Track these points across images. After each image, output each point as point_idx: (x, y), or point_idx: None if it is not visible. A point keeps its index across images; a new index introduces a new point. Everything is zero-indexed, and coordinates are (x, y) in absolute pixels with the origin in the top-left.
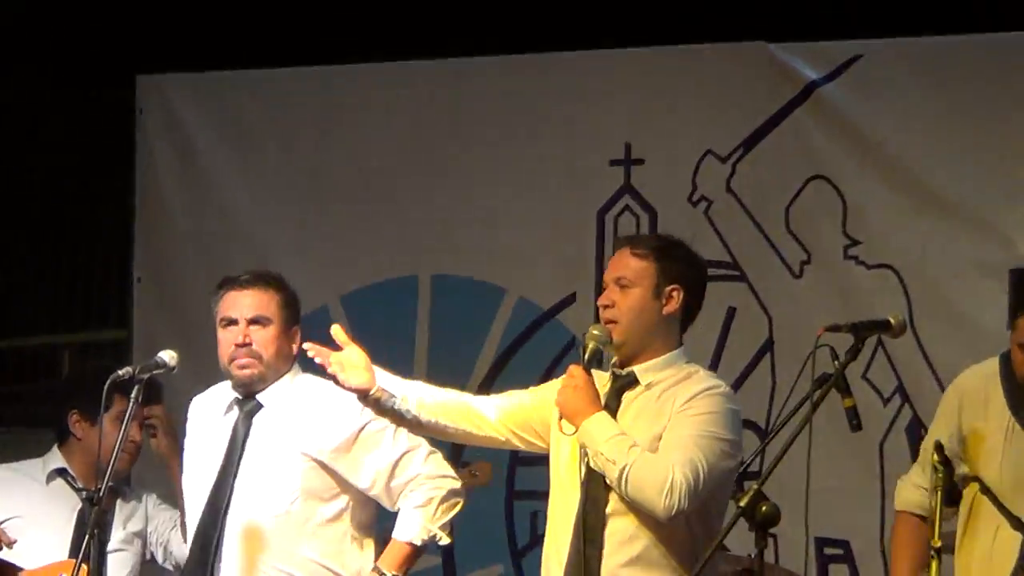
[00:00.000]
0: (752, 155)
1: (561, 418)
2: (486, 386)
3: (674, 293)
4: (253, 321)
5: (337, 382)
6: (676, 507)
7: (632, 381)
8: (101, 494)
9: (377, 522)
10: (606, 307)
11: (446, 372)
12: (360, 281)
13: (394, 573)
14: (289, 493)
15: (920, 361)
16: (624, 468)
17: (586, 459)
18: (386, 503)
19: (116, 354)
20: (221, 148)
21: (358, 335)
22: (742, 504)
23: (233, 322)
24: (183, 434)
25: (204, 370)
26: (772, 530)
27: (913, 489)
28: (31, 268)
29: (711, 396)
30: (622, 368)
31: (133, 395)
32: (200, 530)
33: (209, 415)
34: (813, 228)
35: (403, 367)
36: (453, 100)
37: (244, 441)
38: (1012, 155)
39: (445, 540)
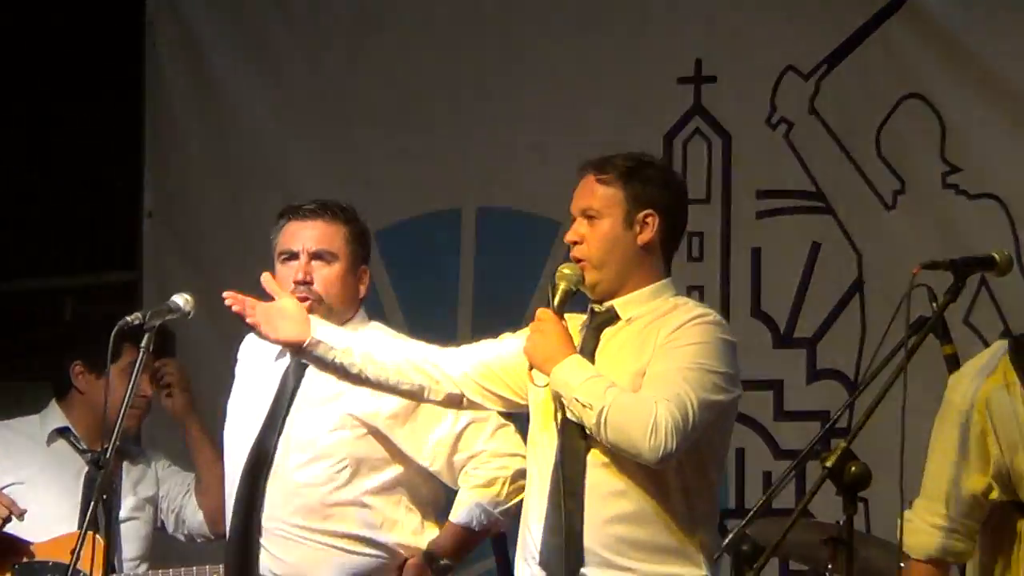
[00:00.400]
0: (838, 71)
1: (531, 368)
2: None
3: (648, 219)
4: (316, 256)
5: (259, 334)
6: (663, 448)
7: (612, 317)
8: (108, 456)
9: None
10: (575, 243)
11: (494, 313)
12: (397, 215)
13: (447, 560)
14: (336, 459)
15: None
16: (602, 410)
17: (562, 409)
18: (447, 480)
19: (124, 298)
20: (241, 67)
21: (396, 274)
22: (828, 464)
23: (293, 256)
24: (226, 380)
25: (223, 317)
26: (862, 493)
27: (929, 531)
28: (27, 203)
29: (699, 325)
30: (601, 304)
31: (143, 344)
32: (240, 493)
33: (260, 360)
34: (907, 153)
35: (446, 308)
36: (500, 11)
37: (293, 395)
38: None
39: (504, 527)
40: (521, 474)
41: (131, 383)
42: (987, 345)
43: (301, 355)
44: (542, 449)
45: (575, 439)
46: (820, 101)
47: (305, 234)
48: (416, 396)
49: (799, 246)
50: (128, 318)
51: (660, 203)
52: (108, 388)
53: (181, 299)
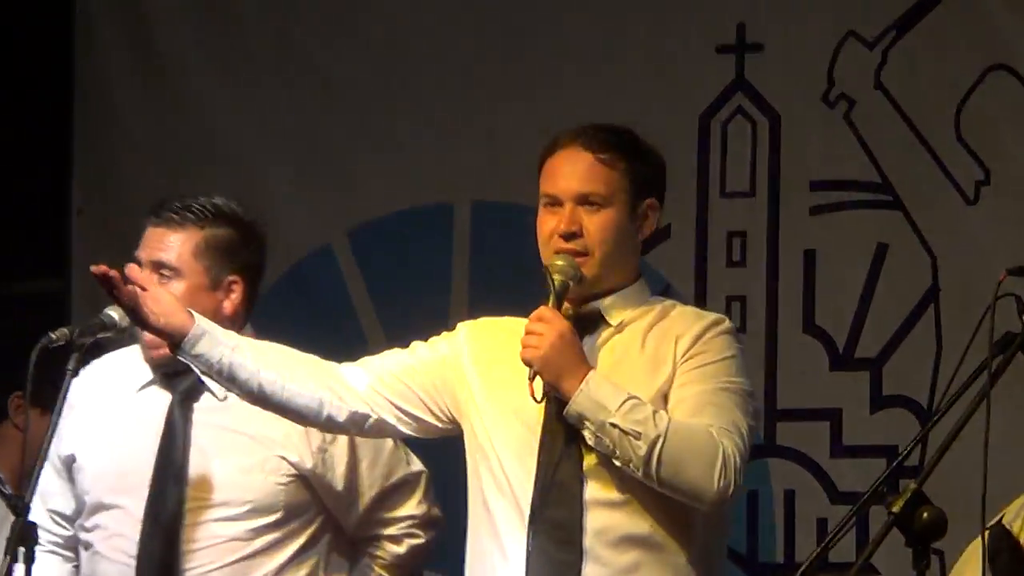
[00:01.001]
0: (909, 38)
1: (533, 378)
2: None
3: (650, 211)
4: (155, 268)
5: (137, 317)
6: (731, 488)
7: (596, 321)
8: (28, 502)
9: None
10: (572, 235)
11: None
12: (374, 211)
13: None
14: (262, 511)
15: None
16: (656, 442)
17: (551, 435)
18: (347, 526)
19: (49, 311)
20: (193, 40)
21: (372, 277)
22: (896, 509)
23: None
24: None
25: None
26: (936, 544)
27: None
28: None
29: (721, 336)
30: (578, 305)
31: (70, 367)
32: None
33: (111, 395)
34: (994, 136)
35: (436, 317)
36: None
37: (186, 436)
38: None
39: None
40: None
41: (55, 416)
42: None
43: (181, 352)
44: (511, 484)
45: (571, 470)
46: (887, 74)
47: (149, 241)
48: (310, 415)
49: (862, 248)
50: (52, 335)
51: (659, 188)
52: (27, 422)
53: (116, 312)
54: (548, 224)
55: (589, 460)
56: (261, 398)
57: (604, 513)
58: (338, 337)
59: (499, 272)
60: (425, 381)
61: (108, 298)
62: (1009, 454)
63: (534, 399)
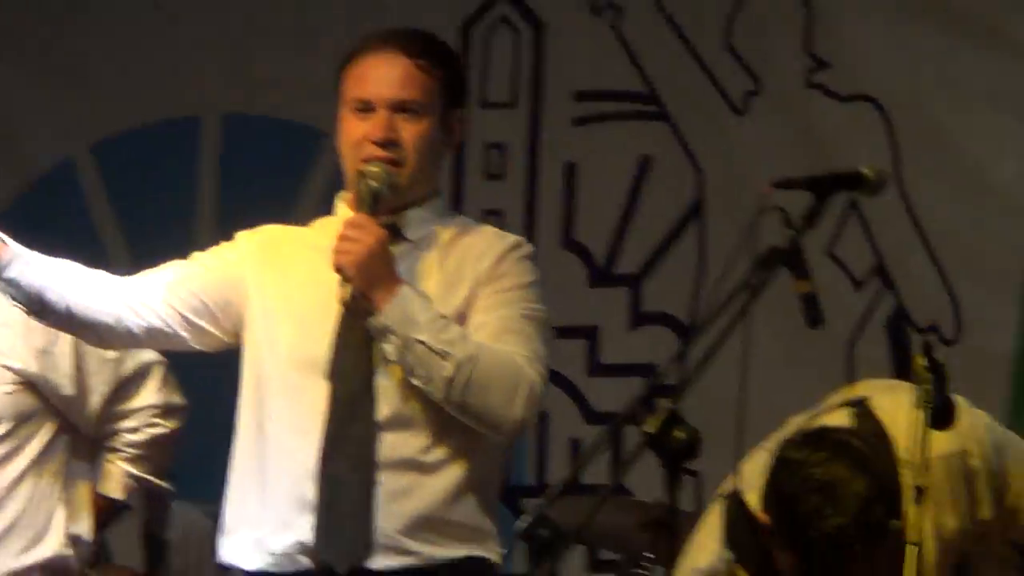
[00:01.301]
0: None
1: (348, 285)
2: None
3: (458, 124)
4: None
5: None
6: (526, 419)
7: (394, 235)
8: None
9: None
10: (389, 143)
11: None
12: (118, 125)
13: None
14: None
15: (908, 228)
16: (463, 363)
17: (345, 348)
18: (83, 427)
19: None
20: None
21: (116, 191)
22: (650, 429)
23: None
24: None
25: None
26: (691, 465)
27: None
28: None
29: (523, 261)
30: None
31: None
32: None
33: None
34: (764, 46)
35: (183, 231)
36: None
37: None
38: None
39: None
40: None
41: None
42: (855, 280)
43: None
44: (294, 399)
45: (363, 389)
46: None
47: None
48: (110, 333)
49: (625, 160)
50: None
51: (463, 99)
52: None
53: None
54: (358, 129)
55: (381, 377)
56: (68, 319)
57: (391, 434)
58: (79, 256)
59: (249, 188)
60: (215, 294)
61: None
62: (768, 371)
63: (344, 306)
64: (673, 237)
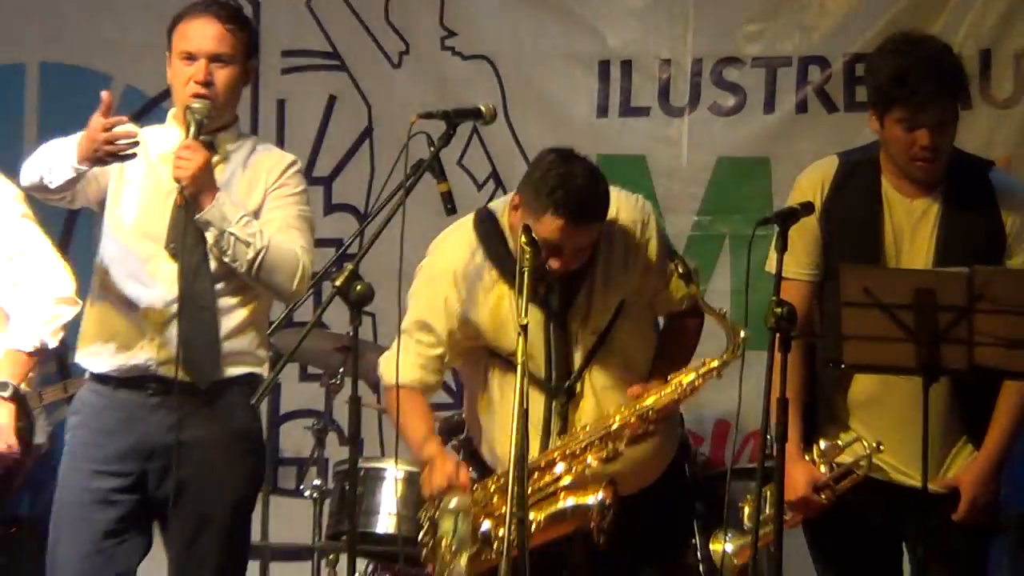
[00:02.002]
0: None
1: (183, 191)
2: None
3: (252, 70)
4: None
5: None
6: (302, 290)
7: (210, 149)
8: None
9: None
10: (208, 83)
11: None
12: None
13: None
14: None
15: (513, 147)
16: (261, 251)
17: (186, 239)
18: None
19: None
20: None
21: None
22: (338, 283)
23: None
24: None
25: None
26: (368, 308)
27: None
28: None
29: (299, 174)
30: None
31: None
32: None
33: None
34: (412, 20)
35: (9, 155)
36: None
37: None
38: None
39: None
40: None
41: None
42: (477, 183)
43: None
44: (139, 264)
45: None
46: None
47: None
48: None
49: (318, 99)
50: None
51: (255, 54)
52: None
53: None
54: (185, 73)
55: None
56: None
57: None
58: None
59: (68, 131)
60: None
61: None
62: (417, 244)
63: (179, 204)
64: (352, 151)
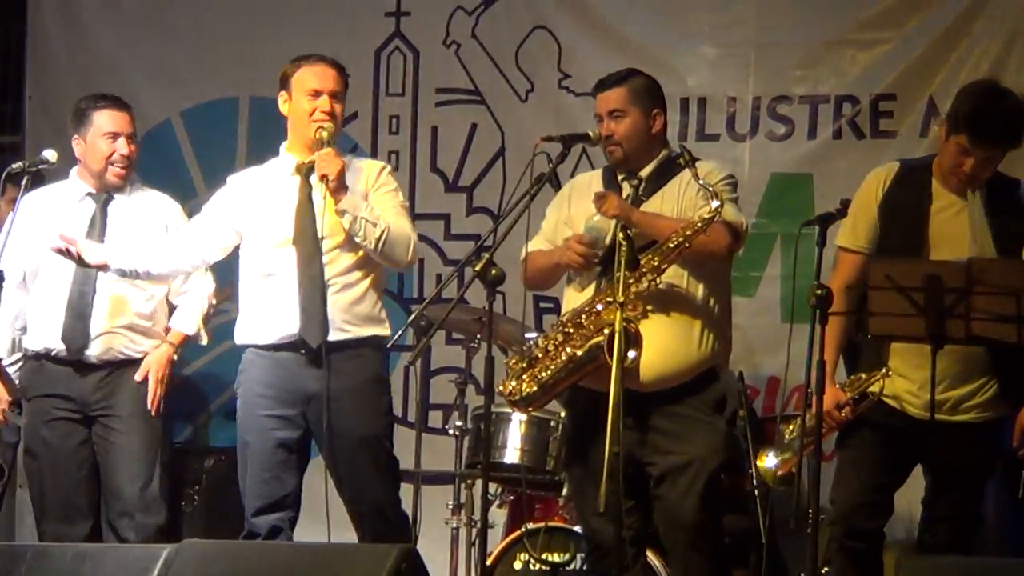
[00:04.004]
0: (492, 10)
1: (321, 181)
2: None
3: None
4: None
5: None
6: (415, 259)
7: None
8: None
9: None
10: (331, 114)
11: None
12: (194, 100)
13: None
14: None
15: None
16: (385, 230)
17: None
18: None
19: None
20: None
21: (192, 147)
22: (478, 269)
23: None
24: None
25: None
26: (500, 288)
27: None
28: None
29: (390, 174)
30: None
31: (24, 183)
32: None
33: None
34: (536, 64)
35: (225, 175)
36: None
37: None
38: (685, 7)
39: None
40: None
41: (14, 208)
42: None
43: None
44: (275, 256)
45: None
46: (479, 29)
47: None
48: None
49: (463, 126)
50: (13, 166)
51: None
52: None
53: (49, 154)
54: (311, 105)
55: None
56: (151, 277)
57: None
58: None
59: (266, 145)
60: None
61: (45, 147)
62: None
63: (325, 200)
64: (489, 167)
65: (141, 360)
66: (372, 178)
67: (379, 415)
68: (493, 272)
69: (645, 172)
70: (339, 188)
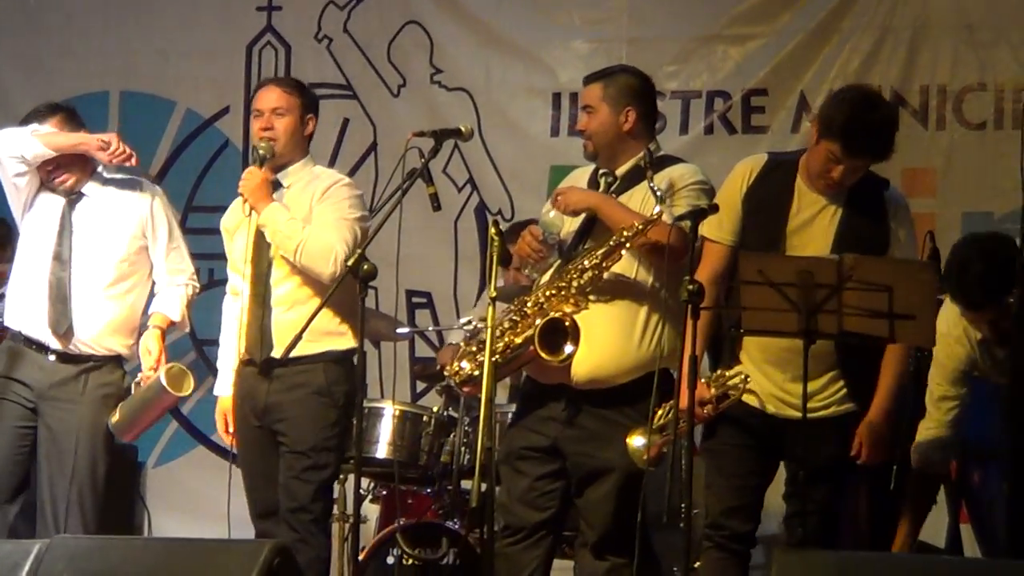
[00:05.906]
0: (363, 4)
1: (245, 203)
2: (160, 176)
3: (311, 122)
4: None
5: None
6: (338, 271)
7: (275, 186)
8: None
9: None
10: (270, 128)
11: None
12: (64, 93)
13: None
14: None
15: (485, 159)
16: (301, 242)
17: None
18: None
19: None
20: None
21: None
22: (349, 264)
23: None
24: None
25: None
26: (372, 283)
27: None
28: None
29: (344, 187)
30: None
31: None
32: None
33: None
34: (408, 59)
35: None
36: None
37: None
38: (557, 2)
39: None
40: None
41: None
42: (457, 187)
43: None
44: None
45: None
46: (351, 24)
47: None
48: None
49: (335, 120)
50: None
51: (315, 112)
52: None
53: None
54: (255, 126)
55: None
56: None
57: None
58: None
59: (137, 134)
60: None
61: None
62: (411, 233)
63: (245, 215)
64: (361, 162)
65: (112, 357)
66: (320, 190)
67: (318, 427)
68: (365, 267)
69: (621, 170)
70: (257, 203)
